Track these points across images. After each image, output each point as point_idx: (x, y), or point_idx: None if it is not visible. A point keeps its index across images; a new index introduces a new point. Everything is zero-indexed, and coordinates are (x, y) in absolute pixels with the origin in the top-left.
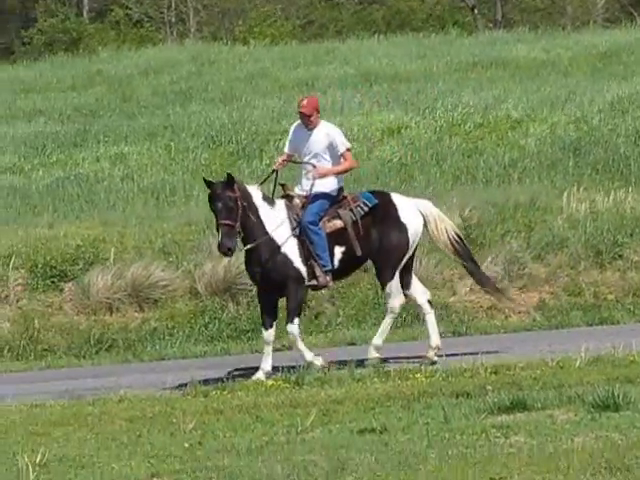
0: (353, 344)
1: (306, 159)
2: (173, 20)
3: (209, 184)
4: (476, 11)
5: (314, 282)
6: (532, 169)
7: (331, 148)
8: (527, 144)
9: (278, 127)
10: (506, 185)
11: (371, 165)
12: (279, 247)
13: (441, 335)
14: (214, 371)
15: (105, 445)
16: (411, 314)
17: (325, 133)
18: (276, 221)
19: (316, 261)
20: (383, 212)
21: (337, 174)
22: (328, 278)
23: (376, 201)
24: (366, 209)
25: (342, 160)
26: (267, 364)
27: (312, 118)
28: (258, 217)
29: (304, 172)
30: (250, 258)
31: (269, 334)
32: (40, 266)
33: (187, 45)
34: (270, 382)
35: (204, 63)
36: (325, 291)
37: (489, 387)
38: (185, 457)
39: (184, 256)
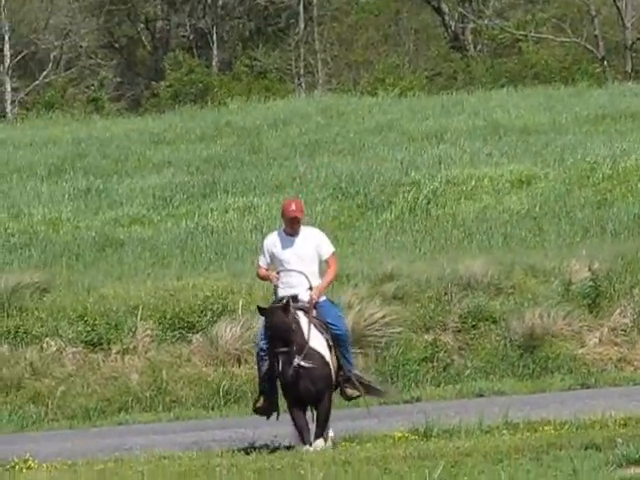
0: (481, 396)
1: (292, 267)
2: (301, 72)
3: (263, 311)
4: (605, 62)
5: (357, 393)
6: None
7: (318, 253)
8: None
9: (406, 179)
10: (636, 237)
11: (500, 217)
12: (323, 357)
13: (570, 387)
14: (343, 423)
15: None
16: (540, 365)
17: (311, 238)
18: (311, 332)
19: (351, 371)
20: None
21: (329, 285)
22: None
23: None
24: None
25: (327, 264)
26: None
27: (301, 222)
28: (301, 329)
29: (291, 279)
30: (299, 371)
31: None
32: (168, 317)
33: (315, 97)
34: (399, 434)
35: (332, 115)
36: (453, 343)
37: (618, 440)
38: None
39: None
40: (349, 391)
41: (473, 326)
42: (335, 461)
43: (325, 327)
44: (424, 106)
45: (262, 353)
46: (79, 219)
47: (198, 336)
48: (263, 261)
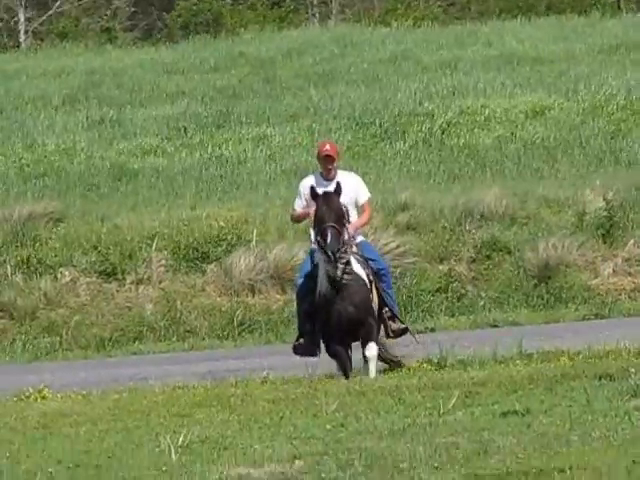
0: (495, 326)
1: None
2: (315, 2)
3: (316, 194)
4: None
5: (403, 326)
6: None
7: (354, 198)
8: None
9: (421, 109)
10: None
11: (514, 147)
12: (365, 283)
13: (584, 317)
14: (357, 353)
15: (247, 427)
16: (554, 295)
17: (348, 182)
18: (353, 259)
19: (394, 307)
20: None
21: (363, 226)
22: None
23: None
24: None
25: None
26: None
27: (336, 163)
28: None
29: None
30: (337, 292)
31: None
32: (183, 247)
33: (329, 27)
34: (413, 364)
35: (347, 45)
36: (467, 273)
37: (632, 370)
38: (327, 439)
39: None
40: (394, 325)
41: (487, 256)
42: (349, 391)
43: (366, 262)
44: (438, 36)
45: (302, 293)
46: (93, 149)
47: (212, 266)
48: (299, 204)
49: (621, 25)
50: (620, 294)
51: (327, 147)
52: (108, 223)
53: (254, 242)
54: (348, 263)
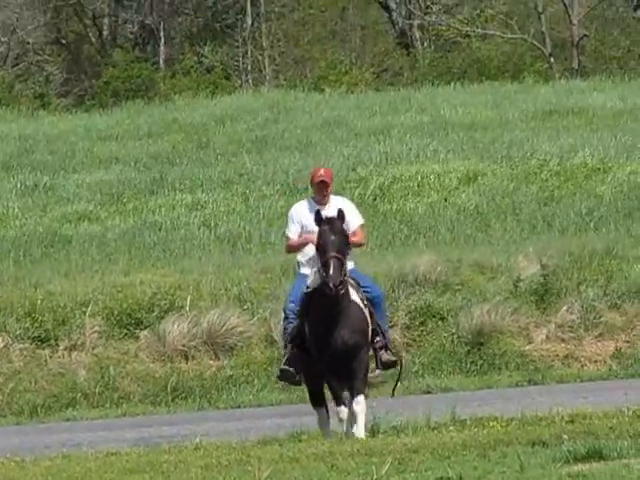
0: (429, 392)
1: None
2: (249, 68)
3: (321, 218)
4: (552, 59)
5: (393, 358)
6: (609, 217)
7: (347, 223)
8: (604, 192)
9: (354, 175)
10: (582, 233)
11: (447, 213)
12: (361, 310)
13: (517, 383)
14: (290, 419)
15: None
16: (487, 361)
17: (341, 208)
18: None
19: (386, 337)
20: None
21: (356, 245)
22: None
23: None
24: None
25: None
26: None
27: (330, 189)
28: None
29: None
30: (332, 319)
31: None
32: (116, 313)
33: (263, 93)
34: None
35: (280, 111)
36: (401, 340)
37: (565, 436)
38: None
39: (260, 304)
40: (385, 356)
41: (421, 323)
42: (282, 458)
43: (358, 287)
44: (371, 102)
45: (292, 315)
46: (27, 215)
47: (145, 332)
48: (294, 230)
49: (554, 91)
50: (553, 360)
51: (321, 172)
52: (41, 289)
53: (187, 308)
54: (346, 292)
